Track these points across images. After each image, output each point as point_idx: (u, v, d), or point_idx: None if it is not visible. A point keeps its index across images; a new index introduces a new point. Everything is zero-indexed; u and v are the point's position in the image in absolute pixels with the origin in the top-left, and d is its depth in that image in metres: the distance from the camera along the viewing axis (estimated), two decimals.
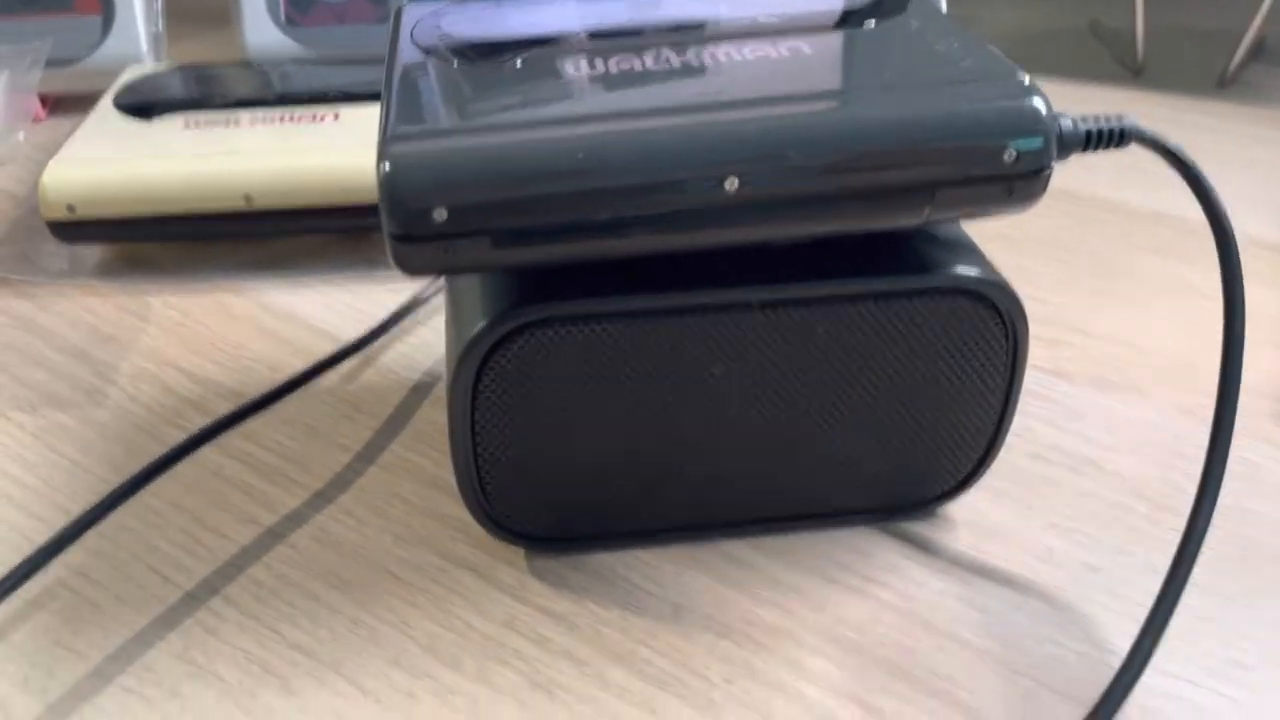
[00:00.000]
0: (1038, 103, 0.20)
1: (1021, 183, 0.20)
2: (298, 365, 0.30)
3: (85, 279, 0.34)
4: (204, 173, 0.32)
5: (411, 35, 0.23)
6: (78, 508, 0.26)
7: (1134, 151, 0.41)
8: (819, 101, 0.19)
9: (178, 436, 0.28)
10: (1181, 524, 0.25)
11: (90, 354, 0.31)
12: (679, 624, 0.23)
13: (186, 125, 0.35)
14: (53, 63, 0.42)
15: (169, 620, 0.23)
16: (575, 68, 0.21)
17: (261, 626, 0.23)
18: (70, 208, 0.32)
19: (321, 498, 0.26)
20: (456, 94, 0.20)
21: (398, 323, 0.32)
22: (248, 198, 0.33)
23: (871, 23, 0.22)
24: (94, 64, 0.42)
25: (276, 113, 0.35)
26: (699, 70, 0.21)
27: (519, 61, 0.21)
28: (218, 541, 0.25)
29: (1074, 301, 0.34)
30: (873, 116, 0.19)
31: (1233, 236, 0.22)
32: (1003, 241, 0.37)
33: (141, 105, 0.36)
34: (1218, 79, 0.48)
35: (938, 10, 0.23)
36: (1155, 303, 0.34)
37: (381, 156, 0.19)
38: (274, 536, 0.25)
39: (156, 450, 0.27)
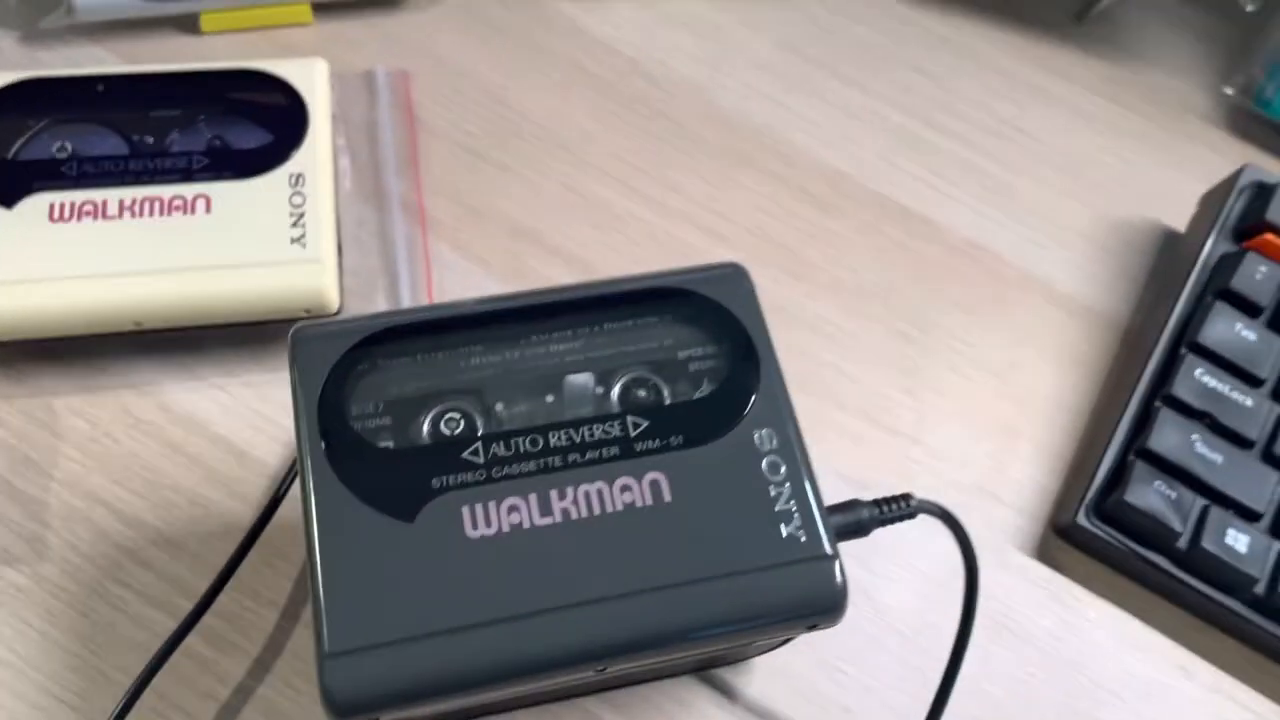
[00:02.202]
0: (838, 582, 0.25)
1: (823, 625, 0.26)
2: (214, 497, 0.35)
3: None
4: (93, 304, 0.34)
5: (321, 430, 0.26)
6: (60, 690, 0.32)
7: (953, 162, 0.44)
8: (658, 605, 0.25)
9: (125, 597, 0.33)
10: (927, 663, 0.35)
11: (15, 486, 0.34)
12: None
13: (52, 217, 0.34)
14: None
15: None
16: (474, 521, 0.25)
17: None
18: None
19: (261, 666, 0.33)
20: (381, 583, 0.24)
21: None
22: (138, 323, 0.34)
23: (702, 452, 0.26)
24: None
25: (142, 194, 0.35)
26: (572, 537, 0.25)
27: (429, 513, 0.25)
28: None
29: (884, 380, 0.40)
30: (693, 620, 0.25)
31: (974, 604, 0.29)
32: (813, 282, 0.41)
33: None
34: (1076, 12, 0.49)
35: (773, 431, 0.27)
36: (953, 385, 0.40)
37: (321, 670, 0.24)
38: (230, 712, 0.32)
39: (113, 616, 0.33)
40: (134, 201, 0.35)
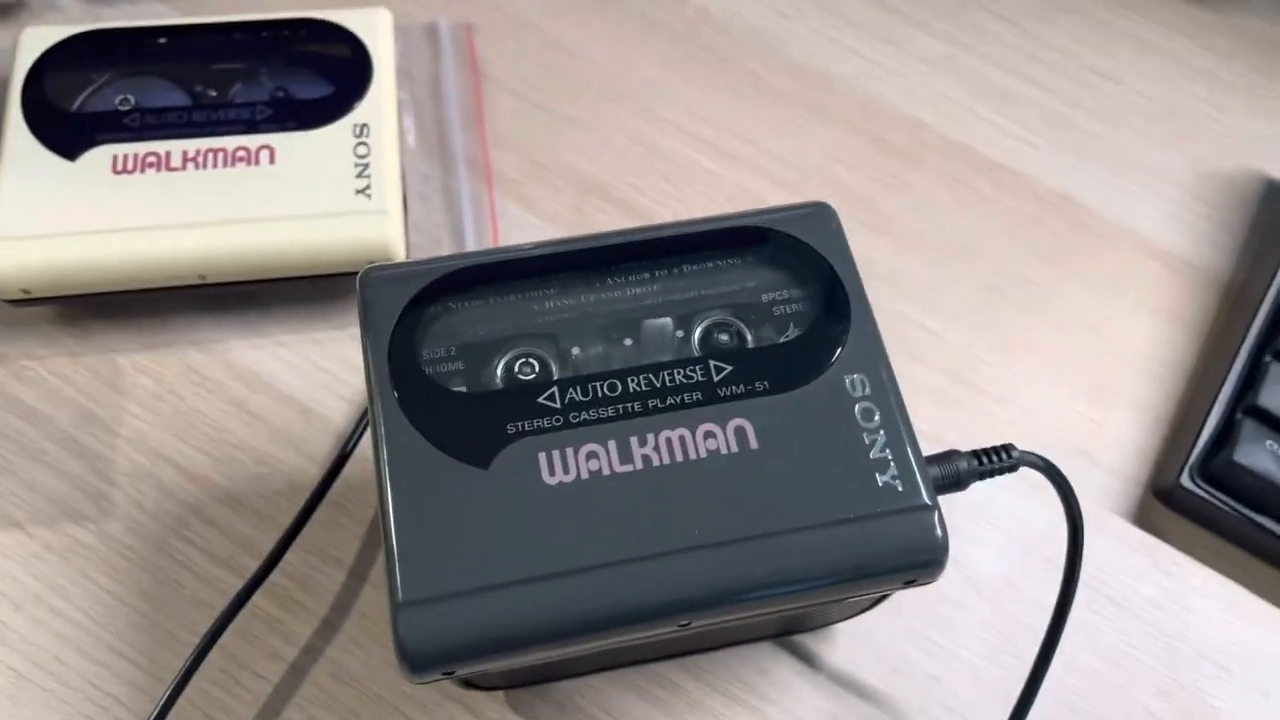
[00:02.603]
0: (938, 535, 0.24)
1: (921, 581, 0.25)
2: (280, 455, 0.34)
3: (45, 329, 0.35)
4: (157, 255, 0.33)
5: (391, 374, 0.25)
6: (126, 648, 0.31)
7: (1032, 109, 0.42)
8: (746, 557, 0.23)
9: (191, 555, 0.32)
10: (1019, 631, 0.33)
11: (81, 443, 0.34)
12: None
13: (115, 169, 0.34)
14: None
15: None
16: (551, 468, 0.24)
17: None
18: (25, 291, 0.33)
19: (329, 625, 0.32)
20: (455, 530, 0.23)
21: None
22: (201, 276, 0.33)
23: (794, 396, 0.25)
24: None
25: (205, 145, 0.34)
26: (653, 484, 0.24)
27: (504, 459, 0.24)
28: (254, 681, 0.31)
29: (968, 336, 0.38)
30: (783, 573, 0.23)
31: (1079, 561, 0.27)
32: (895, 240, 0.39)
33: (60, 133, 0.34)
34: None
35: (868, 375, 0.25)
36: (1044, 341, 0.38)
37: (394, 621, 0.22)
38: (298, 672, 0.31)
39: (178, 574, 0.32)
40: (197, 153, 0.34)
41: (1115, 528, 0.35)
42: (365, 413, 0.34)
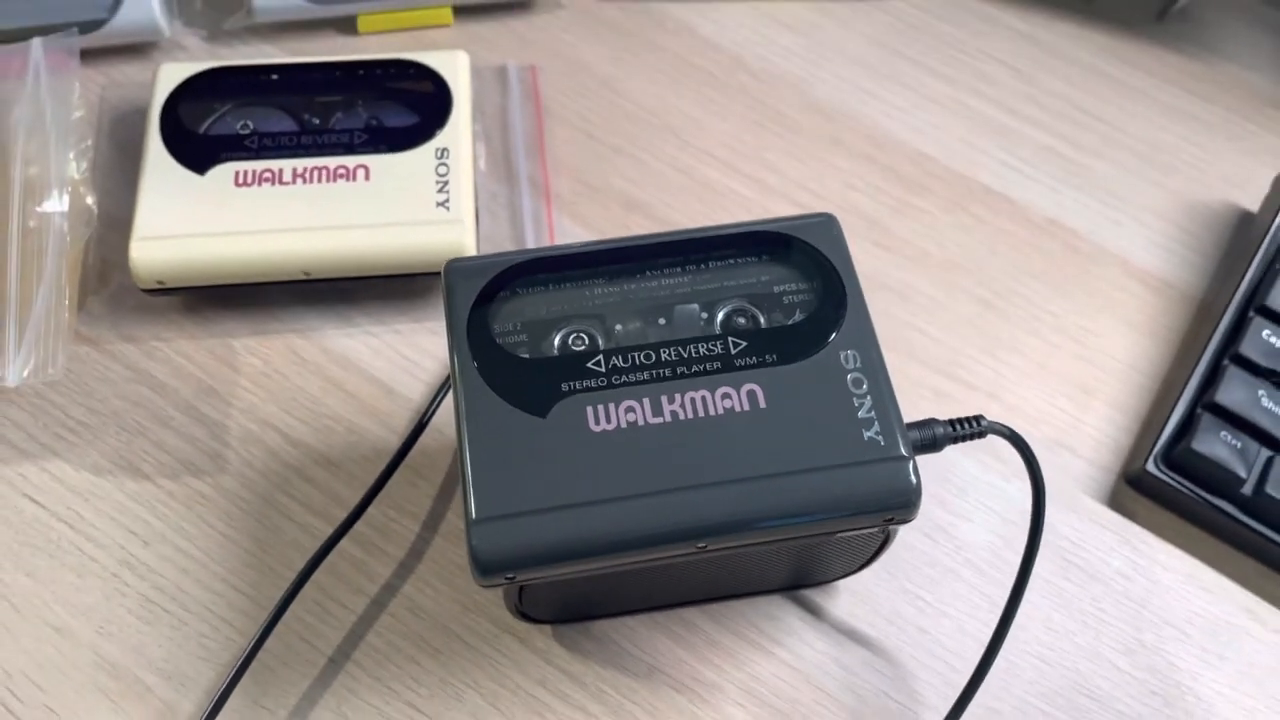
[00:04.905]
0: (912, 481, 0.29)
1: (895, 524, 0.30)
2: (366, 425, 0.40)
3: (173, 316, 0.42)
4: (269, 254, 0.39)
5: (469, 343, 0.31)
6: (237, 580, 0.37)
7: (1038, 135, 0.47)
8: (753, 491, 0.29)
9: (291, 506, 0.38)
10: (999, 593, 0.38)
11: (201, 411, 0.40)
12: (652, 682, 0.36)
13: (237, 182, 0.40)
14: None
15: (322, 681, 0.36)
16: (596, 418, 0.29)
17: (384, 687, 0.36)
18: (160, 282, 0.39)
19: (405, 568, 0.38)
20: (518, 465, 0.29)
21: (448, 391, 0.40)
22: (306, 272, 0.40)
23: (794, 368, 0.30)
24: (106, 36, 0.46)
25: (311, 164, 0.41)
26: (679, 434, 0.29)
27: (558, 410, 0.30)
28: (341, 611, 0.37)
29: (964, 341, 0.43)
30: (783, 506, 0.29)
31: (1040, 528, 0.32)
32: (896, 257, 0.45)
33: (191, 151, 0.41)
34: (1157, 11, 0.52)
35: (857, 351, 0.31)
36: (1032, 348, 0.43)
37: (469, 534, 0.28)
38: (378, 606, 0.37)
39: (281, 522, 0.38)
40: (305, 170, 0.41)
41: (1090, 509, 0.40)
42: (439, 391, 0.40)
